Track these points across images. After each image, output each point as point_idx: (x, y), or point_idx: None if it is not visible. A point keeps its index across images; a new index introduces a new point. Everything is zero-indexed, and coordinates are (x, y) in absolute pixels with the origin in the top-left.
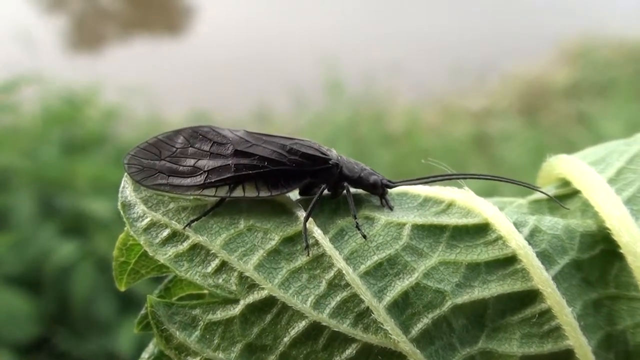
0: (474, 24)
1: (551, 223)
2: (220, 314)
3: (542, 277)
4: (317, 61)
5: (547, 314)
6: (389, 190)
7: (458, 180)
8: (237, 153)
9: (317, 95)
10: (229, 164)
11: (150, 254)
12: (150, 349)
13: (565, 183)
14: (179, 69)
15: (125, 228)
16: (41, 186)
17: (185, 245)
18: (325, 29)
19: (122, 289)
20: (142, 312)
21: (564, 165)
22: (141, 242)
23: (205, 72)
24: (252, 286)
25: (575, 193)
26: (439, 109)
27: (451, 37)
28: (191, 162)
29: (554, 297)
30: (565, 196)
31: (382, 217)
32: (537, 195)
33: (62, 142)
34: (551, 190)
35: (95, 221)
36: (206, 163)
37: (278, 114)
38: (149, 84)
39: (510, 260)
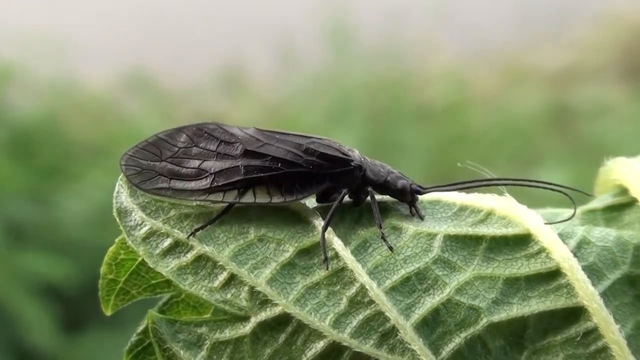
0: None
1: (602, 234)
2: (228, 333)
3: (587, 293)
4: None
5: (593, 333)
6: (420, 197)
7: (499, 187)
8: (247, 153)
9: (315, 49)
10: (238, 166)
11: (151, 266)
12: None
13: (624, 190)
14: (105, 9)
15: (116, 240)
16: None
17: (190, 256)
18: None
19: (109, 312)
20: (133, 338)
21: (620, 170)
22: (140, 253)
23: (146, 14)
24: (265, 302)
25: (635, 202)
26: (498, 70)
27: None
28: (196, 163)
29: (600, 315)
30: (623, 205)
31: (411, 227)
32: (592, 205)
33: None
34: (607, 199)
35: None
36: (213, 164)
37: (257, 76)
38: (60, 31)
39: (553, 274)
